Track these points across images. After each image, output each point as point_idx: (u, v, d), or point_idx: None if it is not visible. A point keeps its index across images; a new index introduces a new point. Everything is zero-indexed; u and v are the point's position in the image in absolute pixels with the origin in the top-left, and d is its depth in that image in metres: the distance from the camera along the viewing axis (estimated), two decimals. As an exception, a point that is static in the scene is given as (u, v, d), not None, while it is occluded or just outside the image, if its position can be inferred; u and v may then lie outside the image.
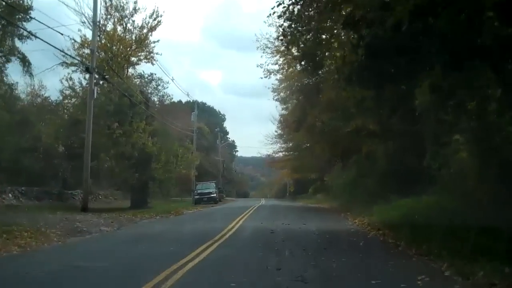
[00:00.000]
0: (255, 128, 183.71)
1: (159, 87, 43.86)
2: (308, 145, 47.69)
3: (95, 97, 25.11)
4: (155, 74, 41.18)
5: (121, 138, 27.78)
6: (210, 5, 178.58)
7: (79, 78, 28.87)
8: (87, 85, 28.65)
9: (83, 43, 28.01)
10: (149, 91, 43.28)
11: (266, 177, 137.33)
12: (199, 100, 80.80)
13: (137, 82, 30.76)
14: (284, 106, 36.44)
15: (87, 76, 28.12)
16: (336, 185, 43.13)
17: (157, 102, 44.47)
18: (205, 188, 41.83)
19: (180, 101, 76.89)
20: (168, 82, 44.43)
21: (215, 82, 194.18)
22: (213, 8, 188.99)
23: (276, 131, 53.10)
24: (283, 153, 54.71)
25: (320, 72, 19.97)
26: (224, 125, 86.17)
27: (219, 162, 68.72)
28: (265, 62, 26.23)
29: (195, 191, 41.23)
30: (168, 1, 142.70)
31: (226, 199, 56.38)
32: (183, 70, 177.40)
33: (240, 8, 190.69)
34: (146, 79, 40.16)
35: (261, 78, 25.97)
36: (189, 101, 76.04)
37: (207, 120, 76.87)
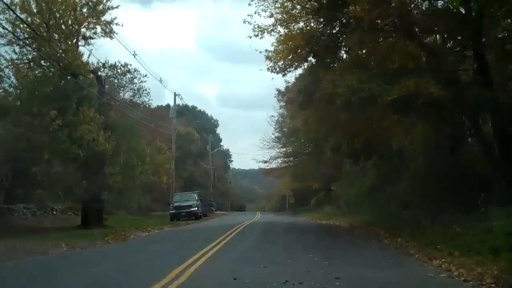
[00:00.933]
0: (252, 140, 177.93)
1: (135, 80, 36.33)
2: (309, 150, 40.83)
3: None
4: (130, 65, 33.66)
5: (61, 131, 20.29)
6: (205, 17, 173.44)
7: (6, 52, 21.42)
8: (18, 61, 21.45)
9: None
10: (123, 84, 36.13)
11: (264, 190, 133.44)
12: (191, 105, 73.52)
13: (91, 62, 23.14)
14: (285, 78, 27.83)
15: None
16: (347, 195, 35.77)
17: (131, 97, 36.95)
18: (183, 200, 33.63)
19: (168, 105, 70.03)
20: (146, 75, 36.55)
21: (211, 94, 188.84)
22: (207, 20, 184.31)
23: (273, 133, 45.74)
24: (282, 159, 47.12)
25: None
26: (217, 131, 78.49)
27: (210, 171, 61.06)
28: (256, 12, 16.01)
29: (171, 204, 33.24)
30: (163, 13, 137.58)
31: (216, 213, 48.53)
32: (179, 82, 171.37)
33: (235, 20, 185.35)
34: (119, 69, 32.63)
35: (250, 37, 15.04)
36: (180, 104, 69.29)
37: (198, 126, 69.45)
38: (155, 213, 40.46)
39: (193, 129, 62.17)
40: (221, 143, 77.74)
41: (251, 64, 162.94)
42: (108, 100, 24.89)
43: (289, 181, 50.38)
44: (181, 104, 70.96)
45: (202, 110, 74.37)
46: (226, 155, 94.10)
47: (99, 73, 24.96)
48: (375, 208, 21.43)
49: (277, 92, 33.42)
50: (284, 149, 45.50)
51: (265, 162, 46.82)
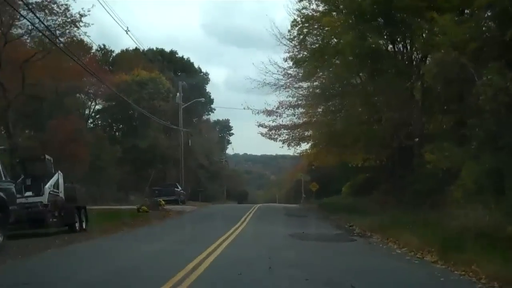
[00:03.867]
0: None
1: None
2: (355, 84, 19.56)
3: None
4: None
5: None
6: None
7: None
8: None
9: None
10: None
11: (276, 175, 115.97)
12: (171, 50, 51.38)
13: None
14: None
15: None
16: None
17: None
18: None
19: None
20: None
21: (219, 79, 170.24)
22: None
23: (284, 60, 23.48)
24: (297, 110, 25.19)
25: None
26: (208, 90, 55.39)
27: (180, 137, 38.77)
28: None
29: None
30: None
31: (168, 209, 25.16)
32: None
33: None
34: None
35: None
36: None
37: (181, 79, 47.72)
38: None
39: (160, 75, 40.40)
40: (213, 107, 55.39)
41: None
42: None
43: (314, 153, 28.25)
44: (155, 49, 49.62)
45: (186, 57, 51.99)
46: (224, 126, 72.35)
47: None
48: None
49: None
50: (305, 85, 23.73)
51: (270, 113, 24.73)
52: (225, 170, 62.33)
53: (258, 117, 25.52)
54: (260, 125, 25.19)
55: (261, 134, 25.73)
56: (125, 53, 46.49)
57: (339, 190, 42.38)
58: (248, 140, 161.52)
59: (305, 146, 28.25)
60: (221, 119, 71.06)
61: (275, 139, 25.73)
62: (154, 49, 49.74)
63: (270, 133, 25.36)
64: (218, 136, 68.08)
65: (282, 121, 24.86)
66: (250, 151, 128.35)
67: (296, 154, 28.29)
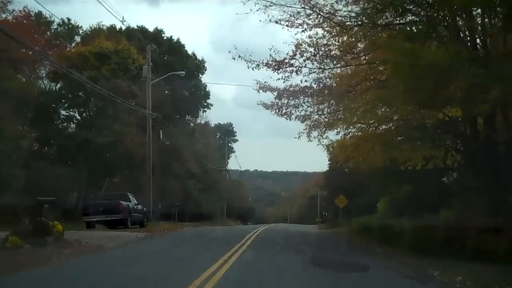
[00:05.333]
0: (270, 140, 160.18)
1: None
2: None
3: None
4: None
5: None
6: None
7: None
8: None
9: None
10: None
11: (287, 192, 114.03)
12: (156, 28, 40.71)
13: None
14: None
15: None
16: None
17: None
18: None
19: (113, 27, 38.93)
20: None
21: (227, 96, 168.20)
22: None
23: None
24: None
25: None
26: (202, 79, 43.38)
27: (147, 122, 27.01)
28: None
29: None
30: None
31: (75, 240, 13.03)
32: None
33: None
34: None
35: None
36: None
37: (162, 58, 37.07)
38: None
39: (130, 47, 29.80)
40: (208, 100, 43.93)
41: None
42: None
43: (345, 144, 17.00)
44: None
45: (172, 37, 40.60)
46: (226, 131, 61.46)
47: None
48: None
49: None
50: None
51: (279, 65, 13.34)
52: (225, 182, 50.91)
53: (259, 73, 14.72)
54: (262, 88, 14.10)
55: (264, 106, 14.70)
56: (97, 30, 36.25)
57: (369, 207, 31.31)
58: (258, 155, 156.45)
59: (333, 135, 17.19)
60: (222, 122, 60.34)
61: (288, 116, 14.60)
62: (136, 27, 39.34)
63: (280, 103, 14.28)
64: (218, 142, 57.11)
65: (301, 81, 13.82)
66: (260, 168, 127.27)
67: (321, 146, 17.02)
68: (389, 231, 13.73)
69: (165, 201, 31.82)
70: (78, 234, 13.18)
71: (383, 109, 13.43)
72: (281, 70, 13.22)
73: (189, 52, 42.59)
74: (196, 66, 42.84)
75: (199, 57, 43.57)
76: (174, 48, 40.81)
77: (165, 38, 40.98)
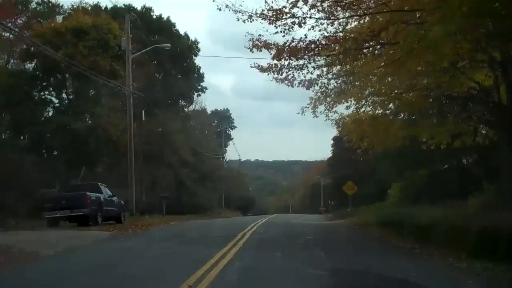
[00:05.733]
0: (271, 130, 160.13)
1: None
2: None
3: None
4: None
5: None
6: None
7: None
8: None
9: None
10: None
11: (288, 181, 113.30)
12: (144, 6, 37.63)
13: None
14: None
15: None
16: None
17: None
18: None
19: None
20: None
21: (227, 86, 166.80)
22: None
23: None
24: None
25: None
26: (195, 61, 40.25)
27: (127, 104, 24.02)
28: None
29: None
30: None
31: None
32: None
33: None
34: None
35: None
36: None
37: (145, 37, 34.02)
38: None
39: (110, 21, 26.80)
40: (202, 83, 40.81)
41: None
42: None
43: (360, 118, 14.14)
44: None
45: (162, 16, 37.23)
46: (223, 117, 58.60)
47: None
48: None
49: None
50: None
51: (277, 15, 10.61)
52: (223, 171, 48.08)
53: (253, 25, 11.90)
54: (255, 46, 11.04)
55: (259, 69, 11.67)
56: (79, 9, 33.22)
57: (378, 194, 28.63)
58: (259, 145, 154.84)
59: (344, 109, 14.35)
60: (219, 108, 57.36)
61: (289, 81, 11.60)
62: (123, 6, 36.22)
63: (279, 64, 11.26)
64: (215, 129, 54.29)
65: (306, 36, 10.86)
66: (261, 157, 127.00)
67: (330, 122, 14.15)
68: (420, 223, 10.90)
69: (155, 192, 29.06)
70: (22, 235, 10.35)
71: (413, 67, 10.42)
72: (279, 22, 10.33)
73: (181, 32, 39.66)
74: (188, 47, 39.78)
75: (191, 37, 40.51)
76: (164, 27, 37.78)
77: (154, 16, 37.95)
